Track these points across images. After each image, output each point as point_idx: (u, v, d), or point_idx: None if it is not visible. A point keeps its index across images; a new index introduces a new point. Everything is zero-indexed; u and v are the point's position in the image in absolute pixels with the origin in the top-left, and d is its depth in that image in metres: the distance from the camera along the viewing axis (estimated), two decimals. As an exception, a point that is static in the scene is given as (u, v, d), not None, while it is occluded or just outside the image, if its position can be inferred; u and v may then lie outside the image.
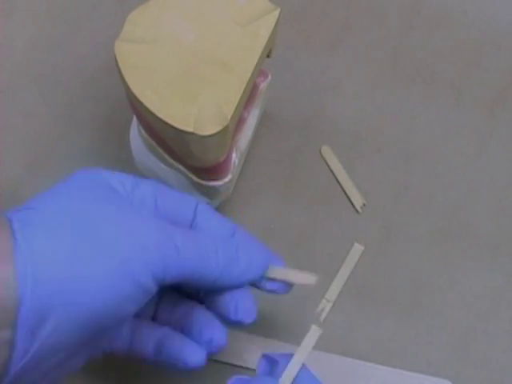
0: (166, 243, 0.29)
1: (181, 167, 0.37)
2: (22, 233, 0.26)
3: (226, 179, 0.37)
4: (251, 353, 0.39)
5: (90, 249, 0.27)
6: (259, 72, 0.36)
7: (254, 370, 0.38)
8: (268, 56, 0.36)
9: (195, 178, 0.37)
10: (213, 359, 0.38)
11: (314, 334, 0.31)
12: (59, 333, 0.26)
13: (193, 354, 0.32)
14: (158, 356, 0.32)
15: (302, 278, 0.33)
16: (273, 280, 0.33)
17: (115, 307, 0.28)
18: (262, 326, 0.39)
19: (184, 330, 0.33)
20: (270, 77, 0.39)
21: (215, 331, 0.32)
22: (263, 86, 0.39)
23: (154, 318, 0.34)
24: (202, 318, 0.32)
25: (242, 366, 0.38)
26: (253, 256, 0.32)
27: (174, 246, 0.29)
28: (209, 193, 0.38)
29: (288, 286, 0.33)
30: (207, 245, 0.31)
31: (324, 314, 0.40)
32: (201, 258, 0.30)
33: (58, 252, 0.26)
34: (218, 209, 0.41)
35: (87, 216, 0.28)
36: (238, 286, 0.32)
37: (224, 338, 0.32)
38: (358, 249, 0.41)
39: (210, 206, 0.34)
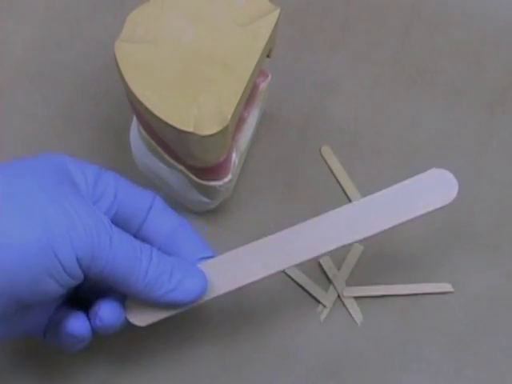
0: (100, 231, 0.29)
1: (181, 167, 0.37)
2: None
3: (226, 179, 0.37)
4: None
5: (16, 217, 0.27)
6: (259, 72, 0.36)
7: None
8: (268, 56, 0.36)
9: (195, 178, 0.37)
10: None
11: None
12: None
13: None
14: None
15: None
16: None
17: (33, 280, 0.28)
18: (262, 326, 0.39)
19: None
20: (269, 77, 0.39)
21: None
22: (263, 86, 0.39)
23: None
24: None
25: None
26: (187, 280, 0.32)
27: (109, 239, 0.29)
28: (209, 193, 0.38)
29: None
30: (142, 251, 0.31)
31: (324, 314, 0.40)
32: (131, 262, 0.30)
33: None
34: (218, 209, 0.41)
35: (28, 193, 0.28)
36: (164, 304, 0.32)
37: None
38: (357, 249, 0.41)
39: (164, 203, 0.34)
